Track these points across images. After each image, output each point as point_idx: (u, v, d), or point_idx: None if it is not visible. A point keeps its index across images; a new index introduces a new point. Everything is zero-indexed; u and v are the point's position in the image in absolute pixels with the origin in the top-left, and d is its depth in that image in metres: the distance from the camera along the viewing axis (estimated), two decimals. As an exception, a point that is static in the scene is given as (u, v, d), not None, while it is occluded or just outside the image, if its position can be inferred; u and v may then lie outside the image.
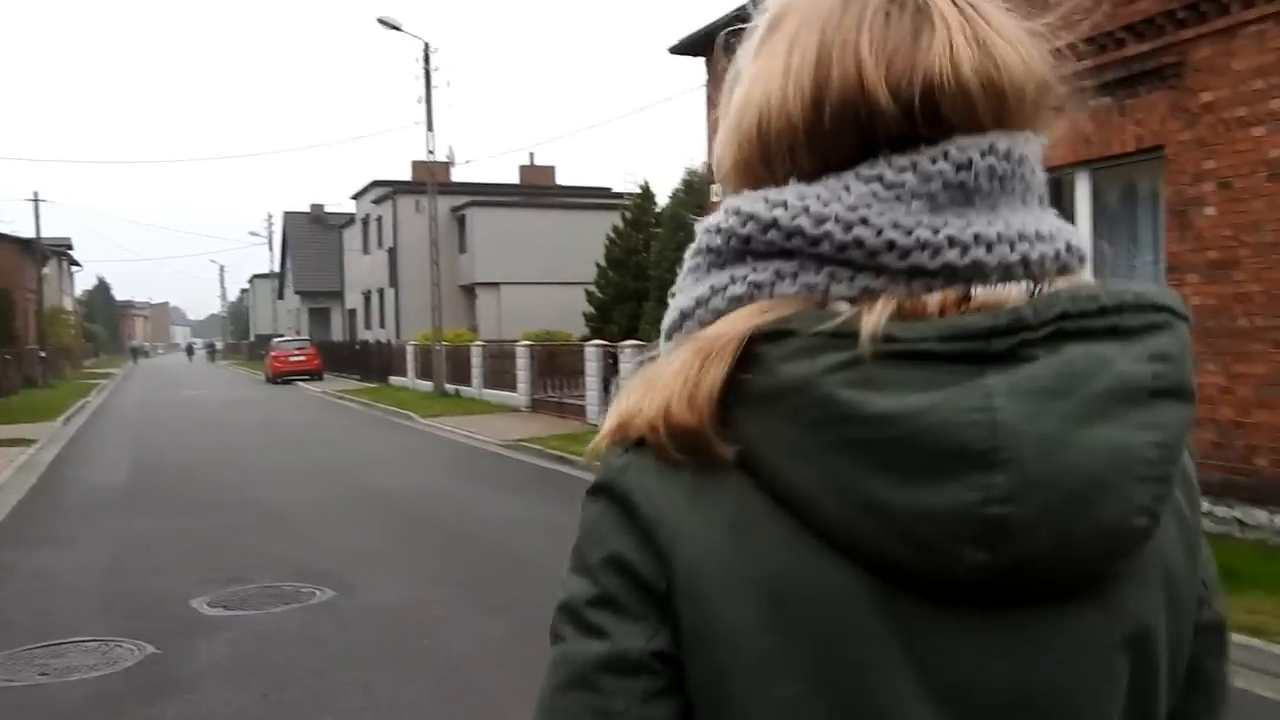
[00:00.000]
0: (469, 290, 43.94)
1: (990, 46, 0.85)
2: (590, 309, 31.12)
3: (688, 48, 17.63)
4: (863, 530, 0.81)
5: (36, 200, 52.41)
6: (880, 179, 0.85)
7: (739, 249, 0.90)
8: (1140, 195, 10.74)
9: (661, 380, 0.88)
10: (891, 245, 0.84)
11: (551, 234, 42.51)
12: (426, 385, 33.53)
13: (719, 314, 0.89)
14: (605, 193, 47.39)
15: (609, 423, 0.93)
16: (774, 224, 0.87)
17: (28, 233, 51.38)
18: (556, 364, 25.35)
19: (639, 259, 29.77)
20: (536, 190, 48.99)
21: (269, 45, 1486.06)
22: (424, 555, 9.83)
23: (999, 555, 0.79)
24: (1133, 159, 10.44)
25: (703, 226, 0.94)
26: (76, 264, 77.42)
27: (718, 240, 0.91)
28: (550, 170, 53.29)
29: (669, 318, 0.95)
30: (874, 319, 0.81)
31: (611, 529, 0.90)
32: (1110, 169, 10.81)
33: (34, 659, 6.87)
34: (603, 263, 31.15)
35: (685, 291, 0.94)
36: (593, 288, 31.38)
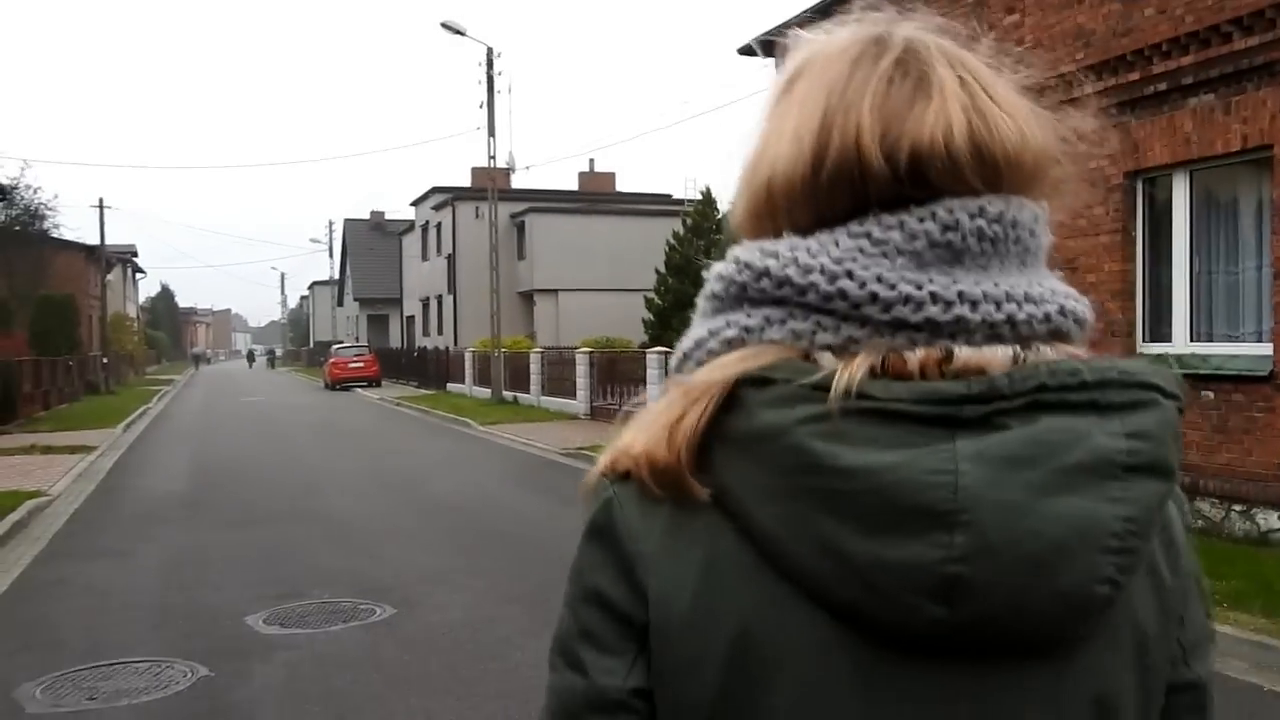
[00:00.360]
0: (527, 297, 43.74)
1: (987, 116, 0.88)
2: (649, 316, 30.78)
3: (756, 49, 17.18)
4: (825, 574, 0.83)
5: (101, 207, 52.83)
6: (868, 235, 0.88)
7: (737, 295, 0.93)
8: (1244, 198, 10.16)
9: (649, 419, 0.92)
10: (875, 297, 0.86)
11: (611, 240, 42.19)
12: (484, 392, 33.35)
13: (714, 355, 0.92)
14: (665, 199, 47.11)
15: (603, 459, 0.97)
16: (766, 273, 0.90)
17: (93, 239, 51.88)
18: (616, 371, 25.00)
19: (699, 266, 29.16)
20: (596, 197, 48.70)
21: (333, 54, 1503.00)
22: (487, 570, 9.43)
23: (956, 612, 0.82)
24: (1237, 159, 9.88)
25: (712, 273, 0.97)
26: (141, 271, 78.34)
27: (719, 287, 0.95)
28: (610, 177, 53.02)
29: (674, 357, 1.00)
30: (848, 376, 0.84)
31: (593, 563, 0.94)
32: (1211, 170, 10.26)
33: (83, 681, 6.54)
34: (662, 269, 30.82)
35: (689, 333, 0.98)
36: (652, 294, 31.04)
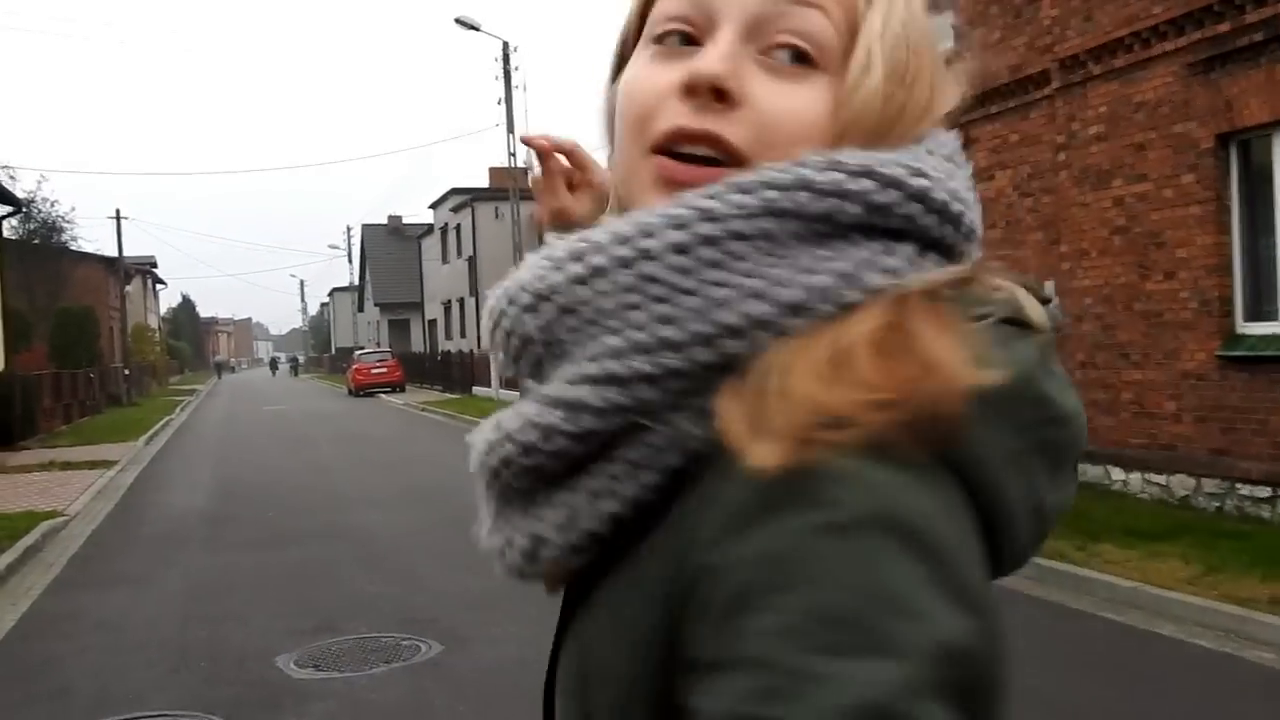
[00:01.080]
0: (551, 297, 43.01)
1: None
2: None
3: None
4: (1026, 533, 0.72)
5: (118, 218, 52.46)
6: (943, 153, 0.77)
7: (849, 224, 0.70)
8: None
9: (920, 348, 0.65)
10: (972, 226, 0.77)
11: (635, 237, 41.46)
12: (512, 396, 32.40)
13: (845, 309, 0.68)
14: (689, 193, 46.39)
15: (793, 420, 0.63)
16: (921, 195, 0.72)
17: (112, 251, 51.46)
18: (650, 371, 24.20)
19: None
20: (618, 193, 47.95)
21: (343, 56, 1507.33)
22: (540, 596, 8.32)
23: None
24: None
25: (793, 178, 0.70)
26: (161, 281, 78.02)
27: (835, 205, 0.70)
28: (631, 172, 52.33)
29: (755, 307, 0.68)
30: (1034, 302, 0.73)
31: (929, 597, 0.60)
32: (1319, 128, 9.31)
33: (90, 744, 5.69)
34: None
35: (781, 271, 0.69)
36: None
